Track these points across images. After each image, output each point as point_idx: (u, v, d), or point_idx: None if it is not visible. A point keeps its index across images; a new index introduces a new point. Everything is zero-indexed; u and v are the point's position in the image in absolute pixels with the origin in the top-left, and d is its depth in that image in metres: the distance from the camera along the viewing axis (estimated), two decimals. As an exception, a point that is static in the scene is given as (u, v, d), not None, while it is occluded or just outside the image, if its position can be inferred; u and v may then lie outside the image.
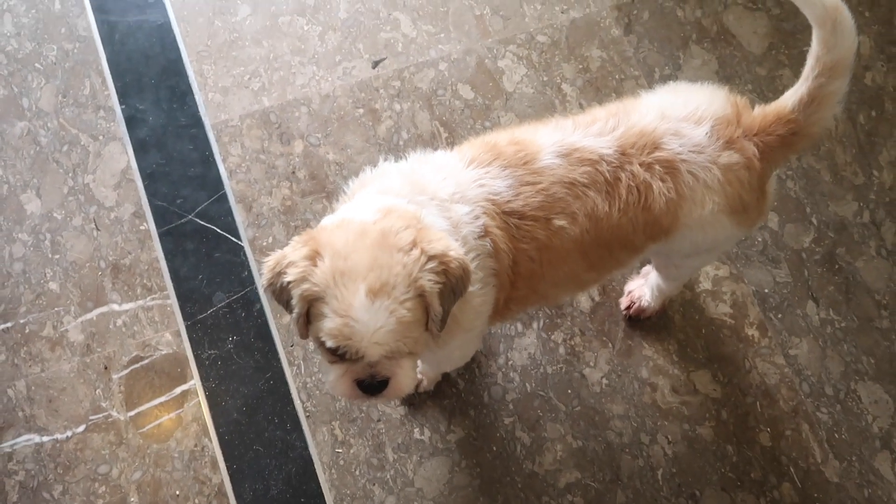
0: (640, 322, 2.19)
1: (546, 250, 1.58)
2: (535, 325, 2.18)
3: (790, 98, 1.61)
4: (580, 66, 2.48)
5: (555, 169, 1.56)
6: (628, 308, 2.16)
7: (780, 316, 2.24)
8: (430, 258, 1.37)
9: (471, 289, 1.50)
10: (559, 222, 1.56)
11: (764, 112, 1.62)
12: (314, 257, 1.37)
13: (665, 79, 2.46)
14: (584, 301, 2.21)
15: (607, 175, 1.56)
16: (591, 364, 2.16)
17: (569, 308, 2.20)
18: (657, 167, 1.56)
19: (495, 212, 1.54)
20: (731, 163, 1.57)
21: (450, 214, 1.51)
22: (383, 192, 1.53)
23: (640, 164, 1.56)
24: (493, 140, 1.63)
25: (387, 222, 1.40)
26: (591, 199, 1.56)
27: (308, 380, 2.11)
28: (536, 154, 1.57)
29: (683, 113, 1.59)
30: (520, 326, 2.18)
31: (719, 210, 1.60)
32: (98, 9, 2.44)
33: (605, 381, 2.15)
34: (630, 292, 2.15)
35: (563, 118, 1.65)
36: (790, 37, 2.55)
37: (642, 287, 2.12)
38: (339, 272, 1.34)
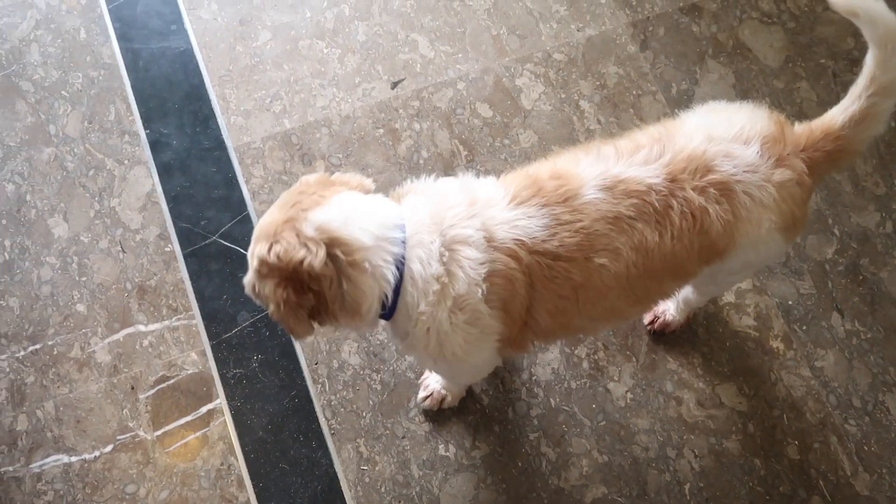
0: (663, 336, 2.18)
1: (583, 289, 1.56)
2: (558, 340, 2.18)
3: (839, 115, 1.60)
4: (597, 83, 2.50)
5: (598, 204, 1.53)
6: (652, 322, 2.16)
7: (804, 328, 2.22)
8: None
9: (448, 326, 1.52)
10: (599, 260, 1.53)
11: (810, 128, 1.62)
12: None
13: (682, 94, 2.47)
14: (606, 315, 2.21)
15: (657, 204, 1.52)
16: (616, 378, 2.15)
17: (591, 323, 2.20)
18: (711, 190, 1.53)
19: (524, 253, 1.51)
20: (785, 180, 1.55)
21: (450, 255, 1.50)
22: (411, 206, 1.55)
23: (694, 189, 1.52)
24: (536, 173, 1.60)
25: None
26: (638, 231, 1.52)
27: (333, 397, 2.11)
28: (578, 189, 1.54)
29: (731, 133, 1.56)
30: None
31: (774, 228, 1.58)
32: (122, 37, 2.49)
33: (629, 395, 2.14)
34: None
35: (606, 144, 1.61)
36: (806, 49, 2.56)
37: (667, 301, 2.12)
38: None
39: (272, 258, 1.43)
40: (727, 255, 1.62)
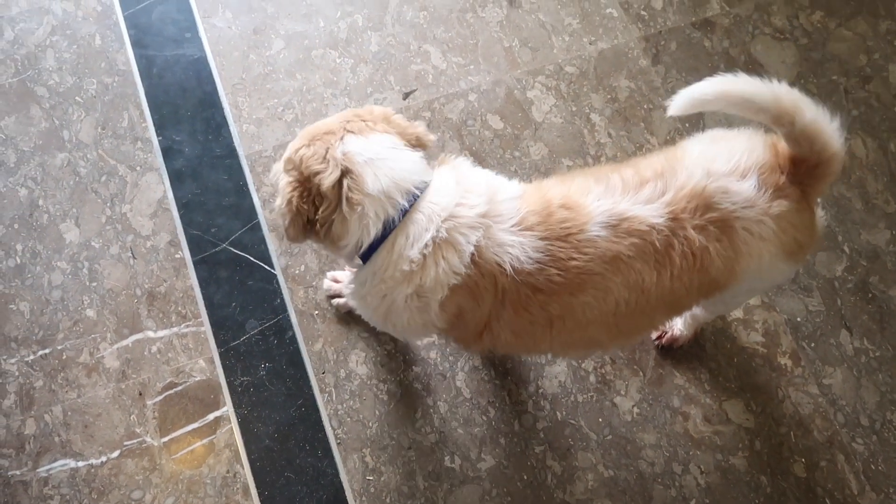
0: (671, 351, 2.18)
1: (560, 320, 1.59)
2: (565, 353, 2.18)
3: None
4: (608, 97, 2.50)
5: (599, 242, 1.54)
6: (660, 337, 2.16)
7: (813, 345, 2.22)
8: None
9: (402, 303, 1.59)
10: (584, 299, 1.55)
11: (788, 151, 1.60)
12: None
13: (694, 108, 2.47)
14: (614, 329, 2.21)
15: (658, 244, 1.53)
16: (622, 393, 2.15)
17: (599, 336, 2.20)
18: (711, 228, 1.54)
19: (503, 278, 1.54)
20: (783, 211, 1.55)
21: (433, 249, 1.54)
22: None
23: (694, 228, 1.53)
24: (551, 196, 1.60)
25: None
26: (636, 271, 1.54)
27: (339, 407, 2.12)
28: (583, 225, 1.55)
29: (727, 167, 1.56)
30: (550, 355, 2.18)
31: (777, 258, 1.59)
32: (137, 44, 2.51)
33: (636, 409, 2.14)
34: (661, 321, 2.15)
35: (614, 172, 1.60)
36: (818, 66, 2.56)
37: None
38: None
39: (297, 157, 1.55)
40: (728, 287, 1.64)
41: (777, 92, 1.49)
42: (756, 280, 1.66)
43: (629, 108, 2.48)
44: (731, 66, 2.55)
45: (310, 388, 2.14)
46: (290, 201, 1.54)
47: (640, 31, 2.60)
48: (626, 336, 1.70)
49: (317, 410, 2.12)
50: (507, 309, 1.58)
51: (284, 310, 2.20)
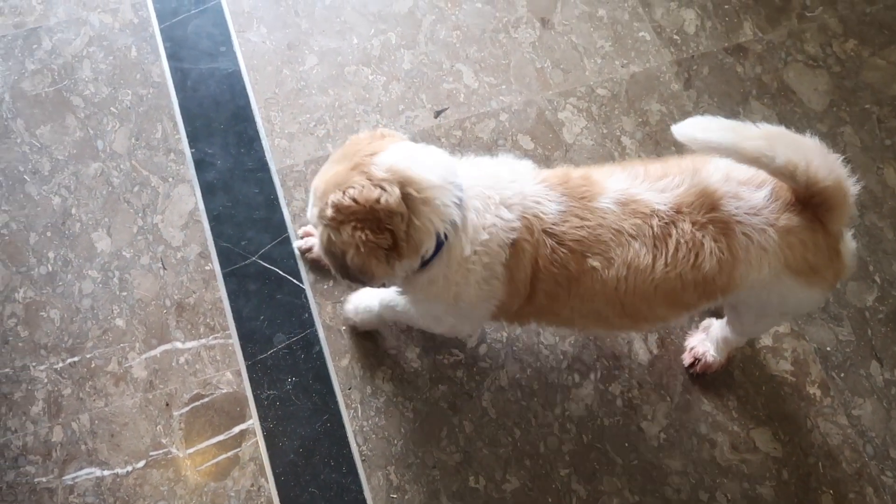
0: (701, 376, 2.17)
1: (575, 283, 1.65)
2: (592, 375, 2.17)
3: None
4: (639, 120, 2.50)
5: (607, 214, 1.62)
6: (693, 365, 2.14)
7: (842, 375, 2.20)
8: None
9: (457, 281, 1.66)
10: (592, 262, 1.62)
11: None
12: None
13: (725, 134, 2.47)
14: (641, 353, 2.20)
15: (656, 229, 1.60)
16: (649, 417, 2.14)
17: (626, 360, 2.19)
18: (711, 227, 1.59)
19: (537, 228, 1.62)
20: (791, 225, 1.58)
21: (493, 214, 1.61)
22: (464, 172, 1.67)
23: (693, 223, 1.59)
24: (569, 171, 1.71)
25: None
26: (633, 249, 1.60)
27: (365, 423, 2.12)
28: (597, 195, 1.64)
29: (746, 175, 1.62)
30: (577, 377, 2.17)
31: (780, 272, 1.60)
32: (172, 56, 2.54)
33: (662, 435, 2.13)
34: (692, 349, 2.14)
35: (640, 164, 1.69)
36: (851, 94, 2.55)
37: (704, 342, 2.11)
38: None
39: (348, 201, 1.52)
40: (729, 294, 1.66)
41: (740, 140, 1.50)
42: (764, 294, 1.67)
43: (660, 132, 2.48)
44: (763, 92, 2.55)
45: (336, 403, 2.14)
46: (365, 243, 1.54)
47: (673, 55, 2.60)
48: (630, 318, 1.73)
49: (342, 426, 2.12)
50: (540, 266, 1.65)
51: (312, 324, 2.21)
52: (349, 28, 2.60)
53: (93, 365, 2.18)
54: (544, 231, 1.63)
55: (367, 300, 2.11)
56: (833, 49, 2.63)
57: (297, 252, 2.28)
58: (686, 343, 2.16)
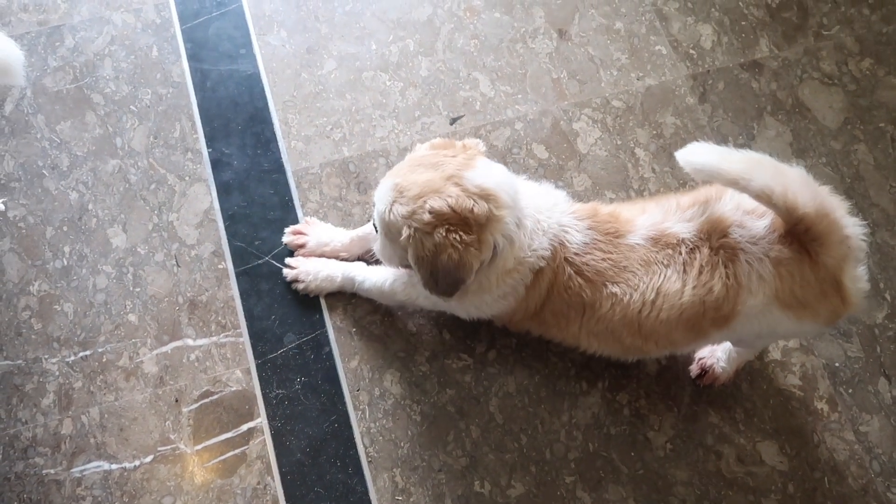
0: (707, 388, 2.17)
1: (590, 307, 1.79)
2: (600, 384, 2.18)
3: None
4: (654, 132, 2.51)
5: (637, 249, 1.76)
6: (700, 376, 2.14)
7: (850, 391, 2.20)
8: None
9: (488, 288, 1.84)
10: (613, 290, 1.75)
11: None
12: None
13: (739, 148, 2.46)
14: (650, 363, 2.20)
15: (685, 255, 1.71)
16: (656, 427, 2.14)
17: (634, 370, 2.19)
18: (722, 251, 1.69)
19: (560, 255, 1.80)
20: (781, 257, 1.64)
21: (538, 237, 1.80)
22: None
23: (710, 248, 1.70)
24: (597, 206, 1.90)
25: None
26: (665, 275, 1.72)
27: (372, 425, 2.13)
28: (626, 233, 1.79)
29: (752, 205, 1.69)
30: (585, 385, 2.18)
31: (770, 303, 1.67)
32: (192, 57, 2.57)
33: (669, 445, 2.13)
34: (701, 360, 2.14)
35: (673, 197, 1.83)
36: (866, 112, 2.56)
37: (714, 353, 2.11)
38: None
39: (446, 208, 1.68)
40: (732, 321, 1.72)
41: (721, 162, 1.59)
42: (756, 323, 1.73)
43: (674, 145, 2.49)
44: (777, 108, 2.56)
45: (344, 404, 2.15)
46: (462, 241, 1.69)
47: (689, 69, 2.62)
48: (644, 339, 1.81)
49: (349, 427, 2.13)
50: (553, 288, 1.82)
51: (323, 325, 2.22)
52: (368, 34, 2.63)
53: (104, 359, 2.19)
54: (566, 259, 1.80)
55: (328, 269, 2.20)
56: (849, 67, 2.64)
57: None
58: (695, 353, 2.17)
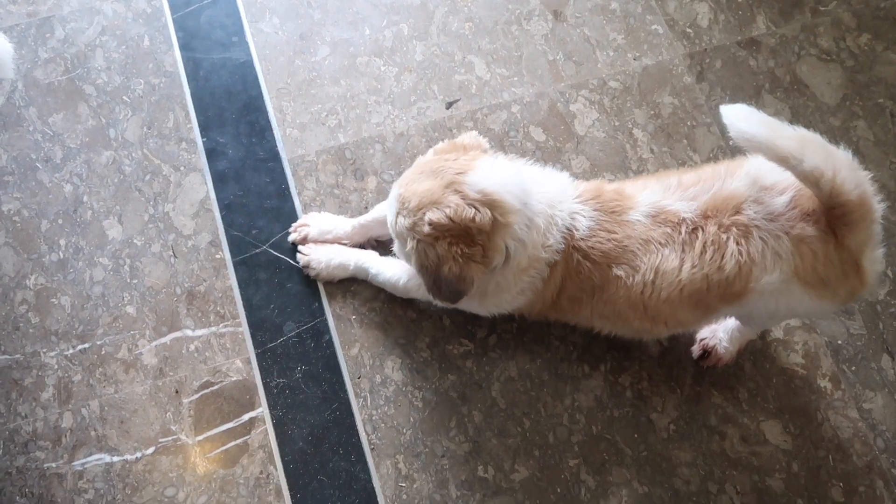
0: (709, 368, 2.16)
1: (599, 290, 1.79)
2: (602, 367, 2.17)
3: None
4: (651, 112, 2.49)
5: (636, 226, 1.73)
6: (702, 357, 2.13)
7: (853, 368, 2.19)
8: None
9: (506, 288, 1.84)
10: (617, 272, 1.74)
11: None
12: None
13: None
14: (651, 345, 2.19)
15: (684, 234, 1.69)
16: (659, 409, 2.13)
17: (636, 352, 2.18)
18: (734, 229, 1.65)
19: (569, 244, 1.78)
20: (804, 235, 1.61)
21: (552, 234, 1.78)
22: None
23: (719, 226, 1.67)
24: (602, 184, 1.87)
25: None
26: (662, 255, 1.71)
27: (374, 412, 2.12)
28: (628, 209, 1.77)
29: (771, 181, 1.66)
30: (587, 368, 2.17)
31: (789, 280, 1.63)
32: (185, 46, 2.54)
33: (672, 426, 2.12)
34: (702, 340, 2.12)
35: (675, 174, 1.80)
36: (864, 88, 2.54)
37: (716, 334, 2.10)
38: None
39: (445, 220, 1.66)
40: (744, 298, 1.70)
41: (773, 137, 1.53)
42: (772, 300, 1.71)
43: (672, 125, 2.47)
44: (776, 85, 2.54)
45: (345, 392, 2.14)
46: (462, 255, 1.68)
47: (686, 48, 2.60)
48: (651, 321, 1.81)
49: (351, 415, 2.12)
50: (565, 276, 1.81)
51: (322, 313, 2.21)
52: (361, 19, 2.60)
53: (103, 352, 2.18)
54: (574, 247, 1.78)
55: (341, 257, 2.19)
56: (846, 43, 2.62)
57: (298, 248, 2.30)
58: (697, 334, 2.15)
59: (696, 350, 2.14)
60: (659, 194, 1.76)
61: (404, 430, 2.10)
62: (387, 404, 2.13)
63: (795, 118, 2.49)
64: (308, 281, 2.24)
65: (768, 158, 1.54)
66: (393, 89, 2.51)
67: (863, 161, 2.42)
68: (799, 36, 2.63)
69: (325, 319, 2.21)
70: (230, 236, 2.30)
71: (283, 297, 2.23)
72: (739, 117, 1.55)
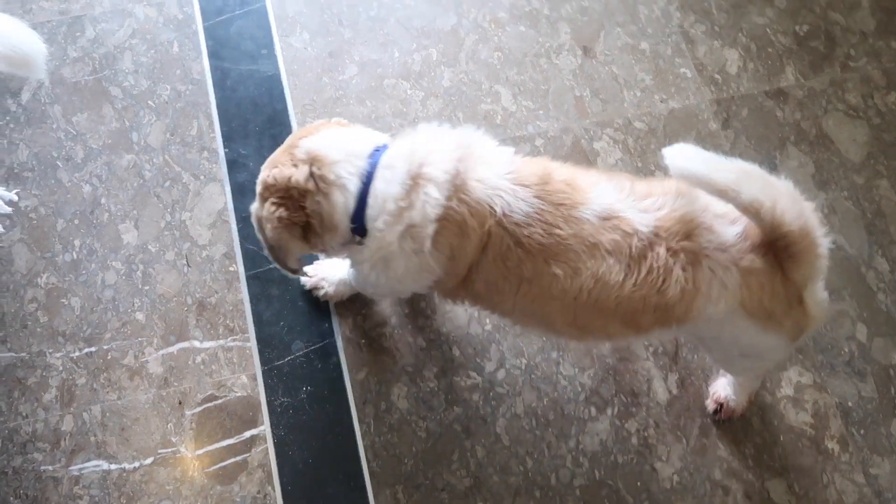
0: (717, 421, 2.14)
1: (527, 283, 1.65)
2: (609, 410, 2.15)
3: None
4: (675, 156, 2.48)
5: (585, 226, 1.60)
6: (717, 412, 2.11)
7: (862, 432, 2.17)
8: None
9: (396, 247, 1.67)
10: (556, 270, 1.61)
11: None
12: None
13: (760, 177, 2.45)
14: (661, 392, 2.17)
15: (633, 249, 1.58)
16: (664, 458, 2.11)
17: (645, 398, 2.16)
18: (682, 255, 1.57)
19: (492, 220, 1.62)
20: (753, 267, 1.56)
21: (413, 185, 1.62)
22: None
23: (667, 249, 1.57)
24: (554, 169, 1.70)
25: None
26: (607, 265, 1.59)
27: (377, 439, 2.10)
28: (578, 204, 1.62)
29: (725, 209, 1.59)
30: (594, 410, 2.15)
31: (735, 311, 1.59)
32: (213, 55, 2.54)
33: (676, 477, 2.10)
34: (715, 393, 2.11)
35: (626, 178, 1.68)
36: (890, 148, 2.53)
37: (726, 387, 2.08)
38: None
39: (270, 180, 1.65)
40: (685, 324, 1.64)
41: (711, 171, 1.47)
42: (717, 328, 1.67)
43: (695, 170, 2.46)
44: (801, 138, 2.53)
45: (349, 416, 2.12)
46: (280, 218, 1.65)
47: (713, 94, 2.59)
48: (579, 330, 1.73)
49: (354, 440, 2.10)
50: (488, 256, 1.66)
51: (332, 335, 2.20)
52: (392, 41, 2.60)
53: (109, 356, 2.17)
54: (501, 226, 1.62)
55: (342, 273, 2.15)
56: (874, 101, 2.61)
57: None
58: (710, 388, 2.14)
59: (710, 404, 2.12)
60: (613, 195, 1.63)
61: (406, 460, 2.09)
62: (390, 432, 2.11)
63: (819, 173, 2.48)
64: (319, 301, 2.22)
65: (708, 193, 1.50)
66: (418, 113, 2.50)
67: (884, 221, 2.41)
68: (827, 90, 2.62)
69: (335, 341, 2.19)
70: (245, 249, 2.29)
71: (294, 315, 2.22)
72: (678, 155, 1.49)
